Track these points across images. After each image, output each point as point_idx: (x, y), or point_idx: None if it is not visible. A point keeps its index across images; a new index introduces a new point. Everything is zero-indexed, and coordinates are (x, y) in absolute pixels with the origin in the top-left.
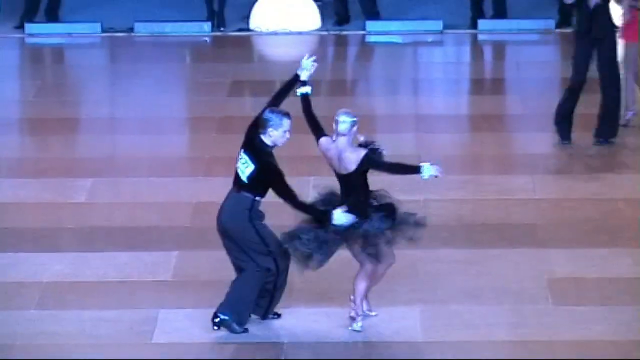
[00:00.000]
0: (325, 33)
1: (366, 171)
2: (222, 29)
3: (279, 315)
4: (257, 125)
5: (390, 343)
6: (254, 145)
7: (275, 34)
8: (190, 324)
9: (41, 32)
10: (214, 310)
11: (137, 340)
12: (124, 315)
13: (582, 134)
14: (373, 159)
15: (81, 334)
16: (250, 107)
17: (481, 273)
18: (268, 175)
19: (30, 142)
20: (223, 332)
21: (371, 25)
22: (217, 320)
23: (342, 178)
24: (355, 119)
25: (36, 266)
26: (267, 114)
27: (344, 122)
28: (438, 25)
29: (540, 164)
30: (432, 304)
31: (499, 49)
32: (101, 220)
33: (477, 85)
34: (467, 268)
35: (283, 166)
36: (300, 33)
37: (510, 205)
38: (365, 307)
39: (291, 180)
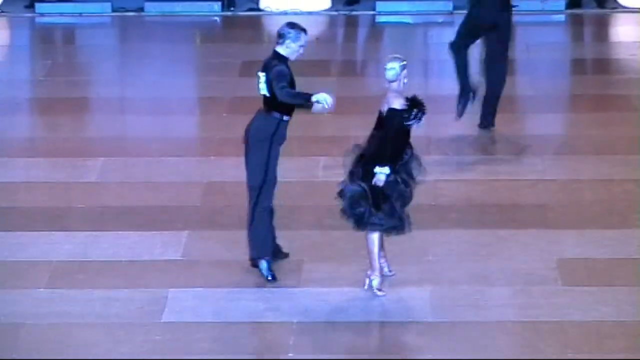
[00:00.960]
0: (335, 13)
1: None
2: (232, 9)
3: (286, 255)
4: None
5: (400, 323)
6: (269, 59)
7: (285, 14)
8: (199, 303)
9: (51, 11)
10: (223, 289)
11: (146, 319)
12: (134, 295)
13: (591, 115)
14: (392, 118)
15: (91, 314)
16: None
17: (491, 254)
18: (275, 73)
19: (40, 121)
20: (232, 312)
21: (381, 5)
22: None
23: (378, 120)
24: (403, 62)
25: (46, 246)
26: (286, 28)
27: (391, 69)
28: (448, 5)
29: (550, 145)
30: (441, 285)
31: None
32: (111, 200)
33: None
34: (477, 249)
35: (294, 146)
36: (310, 13)
37: (521, 187)
38: (386, 268)
39: (302, 161)
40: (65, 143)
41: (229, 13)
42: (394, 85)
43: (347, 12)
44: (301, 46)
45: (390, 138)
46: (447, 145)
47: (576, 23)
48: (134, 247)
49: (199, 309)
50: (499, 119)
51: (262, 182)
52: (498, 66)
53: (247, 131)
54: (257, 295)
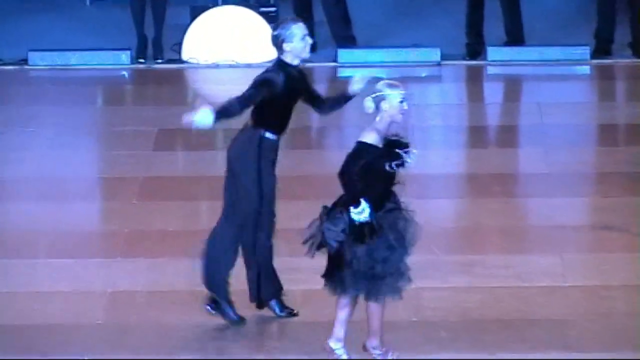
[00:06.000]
0: None
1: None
2: (159, 59)
3: (292, 313)
4: None
5: None
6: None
7: (216, 67)
8: None
9: None
10: None
11: None
12: None
13: (624, 199)
14: (353, 157)
15: None
16: (182, 164)
17: None
18: (255, 78)
19: None
20: None
21: (345, 54)
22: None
23: None
24: (379, 93)
25: None
26: (272, 33)
27: (366, 101)
28: (435, 54)
29: (572, 240)
30: None
31: (515, 85)
32: None
33: (486, 135)
34: None
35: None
36: (249, 66)
37: (532, 295)
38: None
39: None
40: None
41: (142, 66)
42: (375, 120)
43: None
44: (304, 36)
45: (355, 174)
46: (432, 240)
47: (605, 76)
48: None
49: None
50: (500, 203)
51: (255, 212)
52: None
53: (228, 155)
54: None
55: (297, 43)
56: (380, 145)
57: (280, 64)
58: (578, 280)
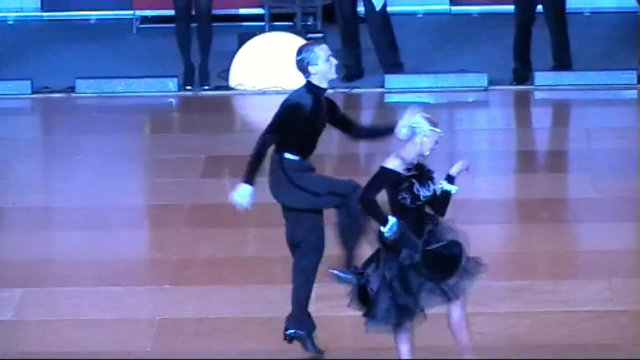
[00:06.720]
0: (330, 92)
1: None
2: (205, 86)
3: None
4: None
5: None
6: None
7: (263, 93)
8: None
9: None
10: None
11: None
12: None
13: None
14: (372, 183)
15: None
16: (230, 191)
17: None
18: (281, 107)
19: None
20: None
21: (392, 80)
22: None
23: None
24: (419, 125)
25: None
26: (296, 58)
27: (402, 127)
28: (482, 80)
29: (620, 265)
30: None
31: (562, 110)
32: (32, 344)
33: (533, 160)
34: None
35: None
36: None
37: (581, 321)
38: None
39: None
40: None
41: (189, 93)
42: (405, 146)
43: (346, 90)
44: (328, 57)
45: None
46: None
47: None
48: None
49: None
50: (548, 228)
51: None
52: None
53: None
54: None
55: (323, 64)
56: (403, 173)
57: (308, 87)
58: (627, 305)
